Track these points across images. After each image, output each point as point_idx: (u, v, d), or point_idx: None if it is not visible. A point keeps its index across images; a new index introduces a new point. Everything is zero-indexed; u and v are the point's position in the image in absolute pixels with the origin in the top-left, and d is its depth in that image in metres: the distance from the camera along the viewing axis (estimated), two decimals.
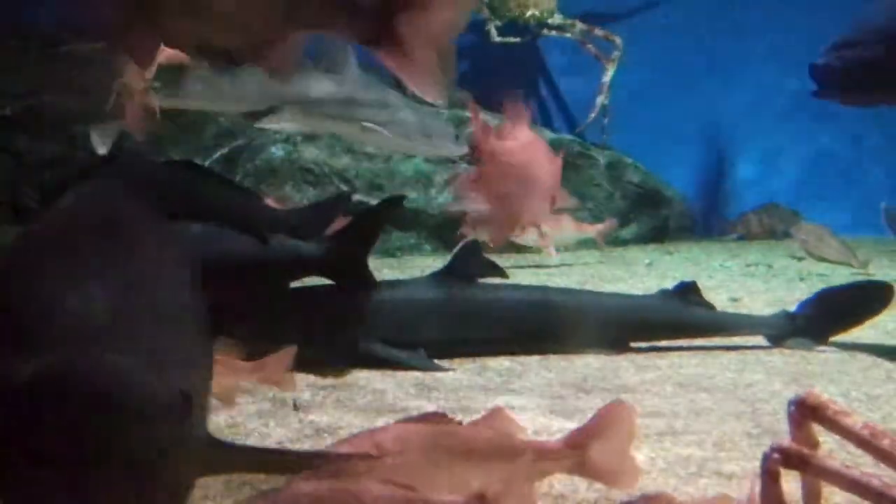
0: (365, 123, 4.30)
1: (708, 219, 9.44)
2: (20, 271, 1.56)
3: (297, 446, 2.86)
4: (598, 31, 9.03)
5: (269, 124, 4.31)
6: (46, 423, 1.29)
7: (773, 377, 3.79)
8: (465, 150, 4.87)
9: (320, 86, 4.28)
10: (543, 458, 2.06)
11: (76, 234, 1.65)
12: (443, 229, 7.46)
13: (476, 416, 2.24)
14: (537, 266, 6.89)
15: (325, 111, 4.31)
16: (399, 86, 4.10)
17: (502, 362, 4.02)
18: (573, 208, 6.49)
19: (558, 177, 3.65)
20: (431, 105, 4.21)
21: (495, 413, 2.16)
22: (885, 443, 1.65)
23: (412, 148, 4.76)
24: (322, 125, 4.46)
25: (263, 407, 3.28)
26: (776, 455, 1.67)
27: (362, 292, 4.00)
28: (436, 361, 3.93)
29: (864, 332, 4.38)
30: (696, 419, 3.17)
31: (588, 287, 5.54)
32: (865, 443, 1.67)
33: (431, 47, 1.73)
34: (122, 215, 1.75)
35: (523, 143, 3.35)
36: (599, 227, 7.36)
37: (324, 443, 2.86)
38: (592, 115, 8.89)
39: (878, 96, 4.56)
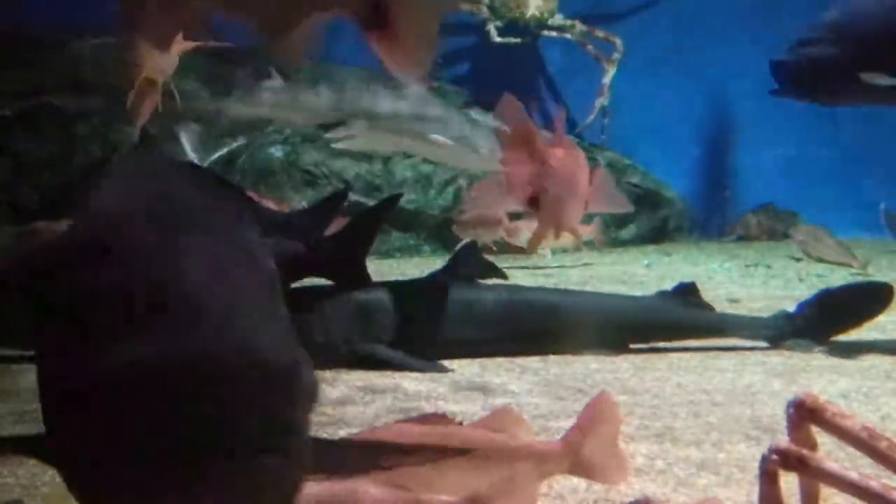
0: (433, 136, 4.30)
1: (707, 220, 9.44)
2: (120, 247, 1.35)
3: None
4: (599, 32, 9.04)
5: (337, 137, 4.31)
6: (195, 407, 1.16)
7: (772, 378, 3.79)
8: None
9: (386, 101, 4.29)
10: (545, 459, 2.06)
11: (163, 210, 1.49)
12: (442, 230, 7.46)
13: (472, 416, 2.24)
14: (536, 267, 6.89)
15: (392, 126, 4.32)
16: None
17: (500, 362, 4.03)
18: (628, 212, 6.46)
19: (588, 182, 3.68)
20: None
21: (501, 412, 2.15)
22: (884, 445, 1.65)
23: (472, 161, 4.75)
24: (388, 140, 4.47)
25: None
26: (774, 456, 1.67)
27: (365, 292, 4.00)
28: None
29: (864, 333, 4.38)
30: (695, 420, 3.17)
31: (587, 288, 5.53)
32: (864, 445, 1.67)
33: (416, 26, 1.71)
34: (203, 196, 1.61)
35: (568, 149, 3.39)
36: (590, 228, 7.14)
37: None
38: (592, 115, 8.90)
39: (837, 96, 4.52)
